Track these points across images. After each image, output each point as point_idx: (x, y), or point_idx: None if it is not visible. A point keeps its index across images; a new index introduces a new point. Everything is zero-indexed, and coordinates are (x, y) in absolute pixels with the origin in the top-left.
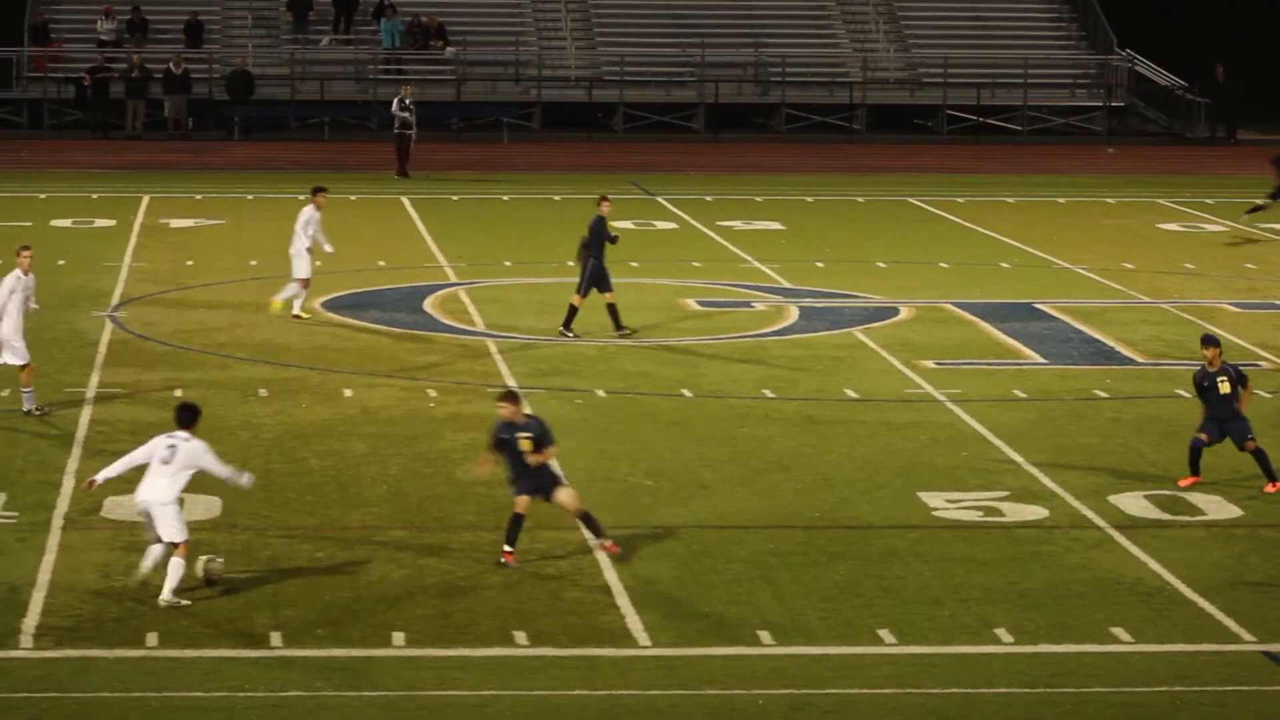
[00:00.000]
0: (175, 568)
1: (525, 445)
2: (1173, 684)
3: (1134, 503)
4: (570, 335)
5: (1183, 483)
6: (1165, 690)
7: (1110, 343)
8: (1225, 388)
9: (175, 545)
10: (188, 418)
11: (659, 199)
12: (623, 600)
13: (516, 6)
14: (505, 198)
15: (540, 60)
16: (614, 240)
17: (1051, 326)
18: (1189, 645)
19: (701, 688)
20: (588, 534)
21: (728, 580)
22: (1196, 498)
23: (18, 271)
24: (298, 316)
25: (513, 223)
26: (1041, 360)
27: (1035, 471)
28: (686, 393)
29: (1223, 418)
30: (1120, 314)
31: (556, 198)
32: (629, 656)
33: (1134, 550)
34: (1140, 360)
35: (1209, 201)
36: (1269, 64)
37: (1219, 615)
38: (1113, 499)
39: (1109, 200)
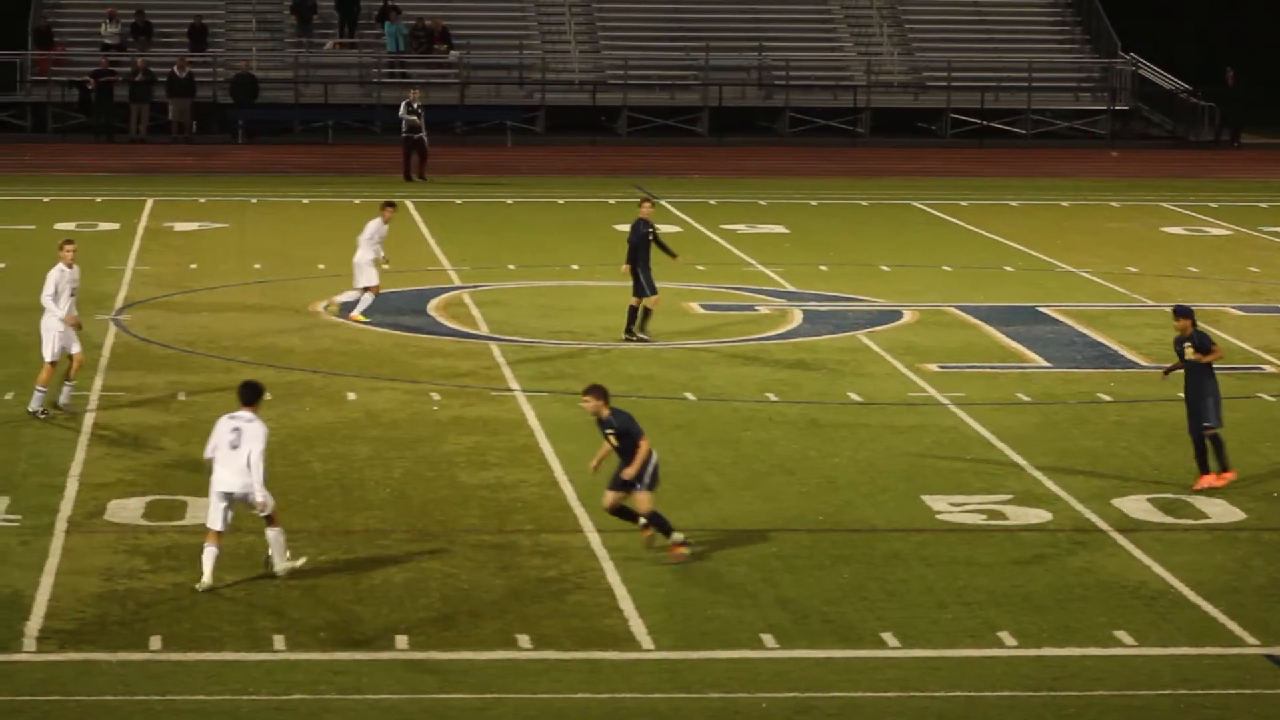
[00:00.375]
0: (276, 536)
1: (613, 442)
2: (1176, 687)
3: (1137, 506)
4: (645, 338)
5: (1198, 486)
6: (1168, 694)
7: (1114, 346)
8: (1189, 353)
9: (271, 517)
10: (251, 395)
11: (663, 202)
12: (626, 604)
13: (520, 10)
14: (509, 201)
15: (544, 64)
16: (641, 255)
17: (1055, 330)
18: (1192, 649)
19: (705, 691)
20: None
21: (731, 583)
22: (1200, 501)
23: (61, 265)
24: (335, 312)
25: (516, 226)
26: (1045, 364)
27: (1039, 475)
28: (690, 396)
29: (1192, 399)
30: (1124, 317)
31: (560, 201)
32: (632, 660)
33: (1137, 554)
34: (1144, 364)
35: (1213, 205)
36: (1272, 67)
37: (1222, 618)
38: (1116, 502)
39: (1113, 204)
